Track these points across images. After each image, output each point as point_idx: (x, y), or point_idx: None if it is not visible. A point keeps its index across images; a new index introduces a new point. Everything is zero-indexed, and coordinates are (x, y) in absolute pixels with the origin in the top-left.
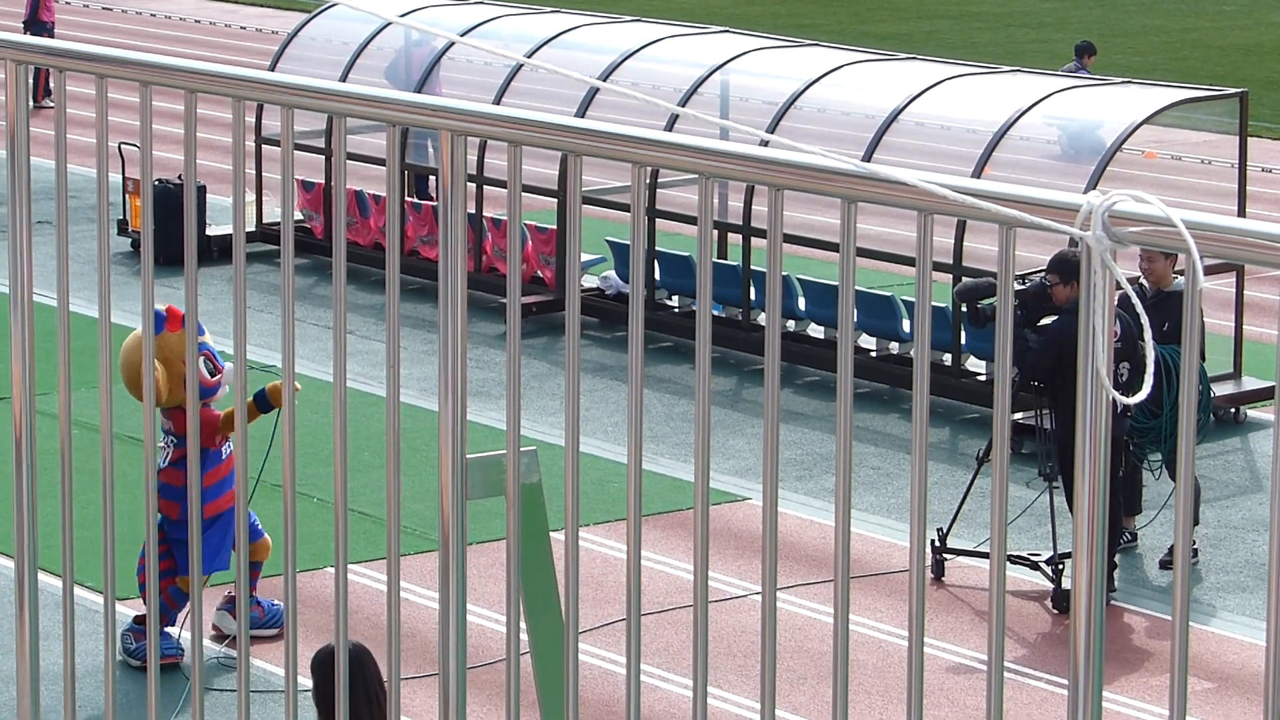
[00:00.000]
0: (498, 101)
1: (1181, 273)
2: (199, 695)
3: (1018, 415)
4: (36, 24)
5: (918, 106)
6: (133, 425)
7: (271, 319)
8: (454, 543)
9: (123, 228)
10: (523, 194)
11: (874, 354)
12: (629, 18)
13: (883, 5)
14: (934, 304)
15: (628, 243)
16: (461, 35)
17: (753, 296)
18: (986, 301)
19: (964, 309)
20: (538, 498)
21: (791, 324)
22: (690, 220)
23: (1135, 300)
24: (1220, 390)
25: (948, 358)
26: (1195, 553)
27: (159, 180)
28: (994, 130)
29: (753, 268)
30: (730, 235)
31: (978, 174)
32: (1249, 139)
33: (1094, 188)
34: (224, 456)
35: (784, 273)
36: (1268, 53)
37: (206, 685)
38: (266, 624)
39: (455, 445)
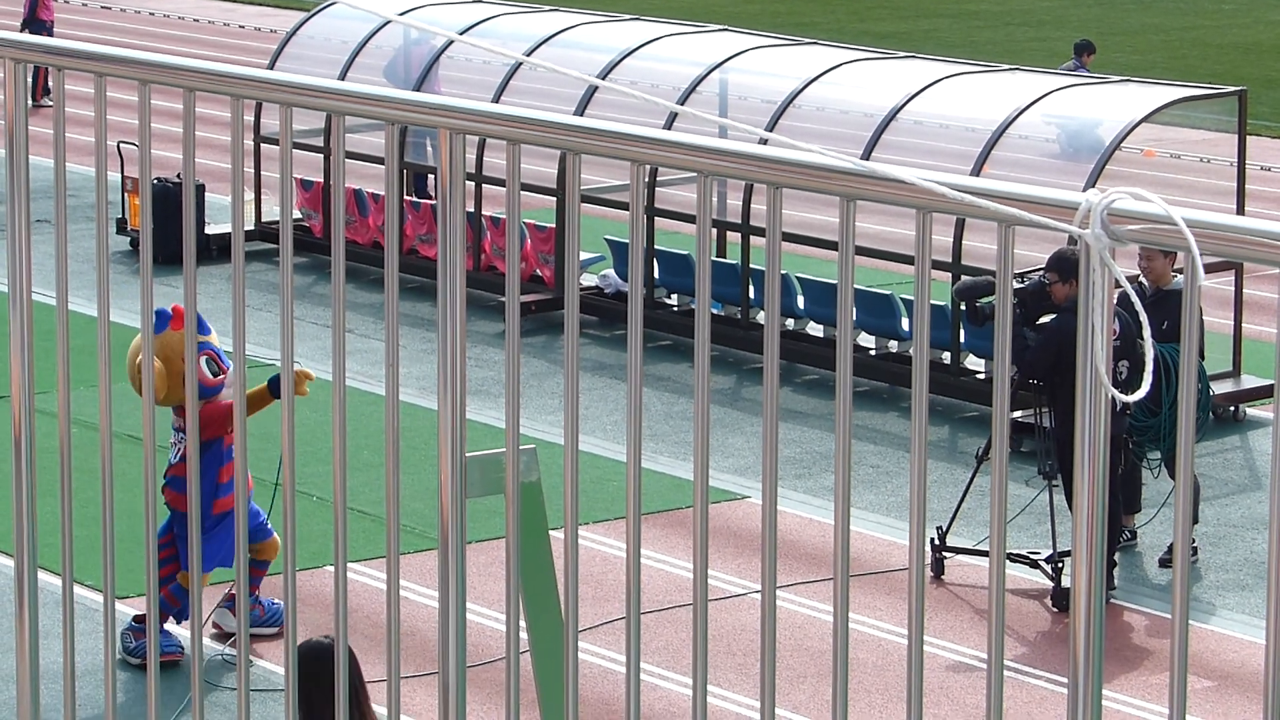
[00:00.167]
0: (496, 100)
1: (1180, 271)
2: (199, 694)
3: (1017, 413)
4: (35, 22)
5: (916, 105)
6: (132, 424)
7: (270, 317)
8: (453, 541)
9: (121, 226)
10: (521, 192)
11: (873, 352)
12: (627, 16)
13: (882, 4)
14: (933, 302)
15: (626, 241)
16: (460, 34)
17: (752, 295)
18: (985, 300)
19: (963, 307)
20: (537, 496)
21: (790, 322)
22: (689, 219)
23: (1135, 299)
24: (1219, 388)
25: (947, 356)
26: (1195, 551)
27: (158, 179)
28: (993, 128)
29: (752, 266)
30: (729, 234)
31: (977, 172)
32: (1248, 137)
33: (1093, 186)
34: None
35: (783, 271)
36: (1266, 51)
37: (207, 684)
38: (266, 622)
39: (454, 444)
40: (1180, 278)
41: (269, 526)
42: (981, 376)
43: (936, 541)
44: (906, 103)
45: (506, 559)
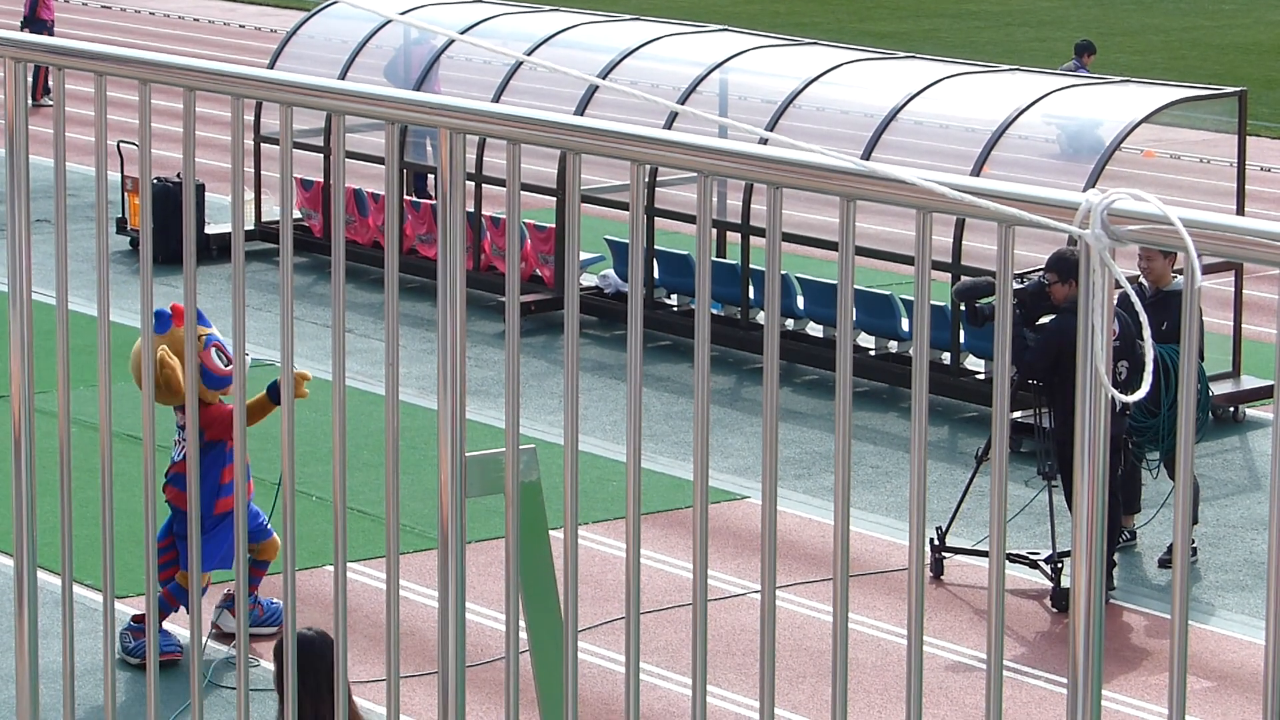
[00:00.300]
0: (497, 100)
1: (1180, 272)
2: (198, 694)
3: (1017, 414)
4: (35, 22)
5: (916, 105)
6: (132, 423)
7: (270, 317)
8: (453, 541)
9: (121, 226)
10: (521, 192)
11: (873, 353)
12: (628, 16)
13: (882, 4)
14: (933, 303)
15: (626, 241)
16: (461, 33)
17: (751, 295)
18: (985, 300)
19: (962, 308)
20: (537, 496)
21: (790, 323)
22: (689, 219)
23: (1135, 299)
24: (1219, 389)
25: (947, 356)
26: (1194, 551)
27: (158, 178)
28: (993, 129)
29: (751, 266)
30: (729, 234)
31: (976, 172)
32: (1247, 138)
33: (1093, 186)
34: None
35: (783, 271)
36: (1266, 51)
37: (207, 683)
38: (265, 622)
39: (454, 443)
40: (1180, 278)
41: (268, 527)
42: (981, 377)
43: (936, 542)
44: (906, 103)
45: (506, 559)
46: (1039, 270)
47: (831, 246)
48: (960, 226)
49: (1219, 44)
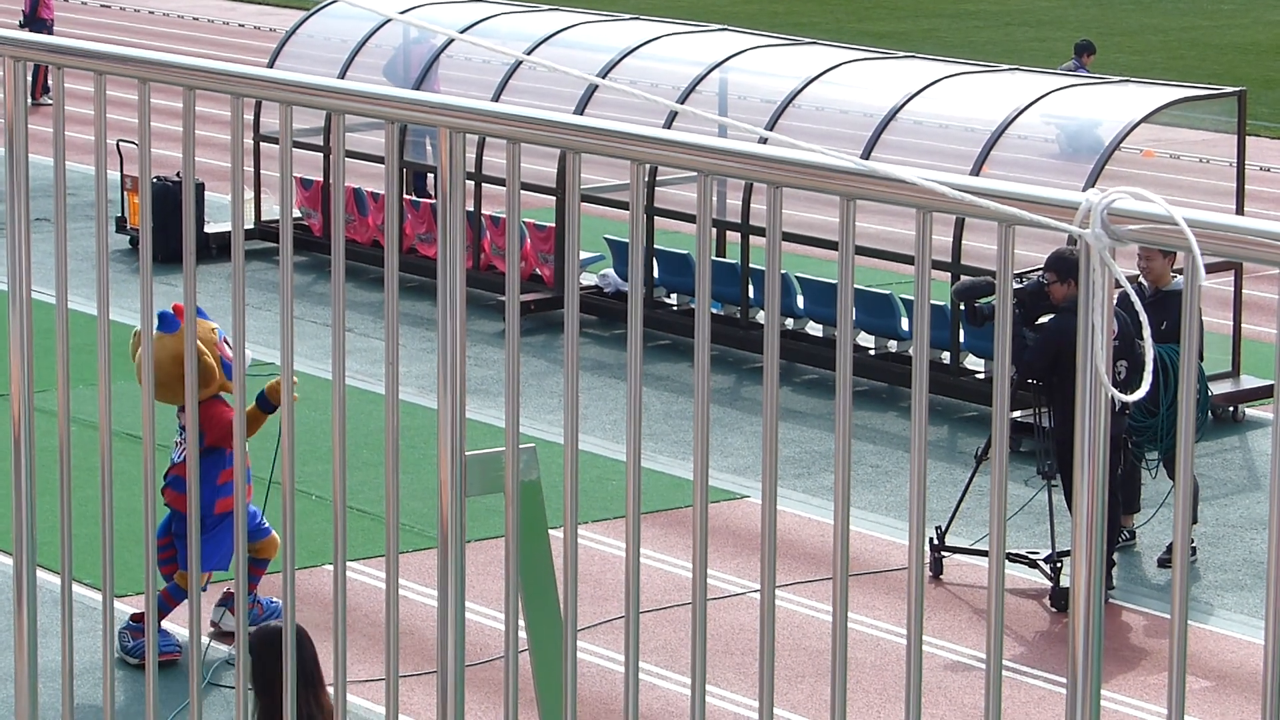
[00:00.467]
0: (496, 99)
1: (1180, 272)
2: (197, 694)
3: (1016, 413)
4: (35, 21)
5: (916, 105)
6: (131, 422)
7: (270, 316)
8: (453, 540)
9: (121, 225)
10: (521, 191)
11: (872, 352)
12: (627, 16)
13: (881, 4)
14: (933, 302)
15: (626, 240)
16: (460, 33)
17: (751, 294)
18: (984, 300)
19: (962, 308)
20: (536, 495)
21: (790, 322)
22: (689, 218)
23: (1135, 299)
24: (1219, 389)
25: (946, 356)
26: (1193, 551)
27: (157, 178)
28: (992, 129)
29: (751, 266)
30: (729, 233)
31: (976, 172)
32: (1247, 138)
33: (1092, 186)
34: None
35: (783, 271)
36: (1265, 51)
37: (207, 682)
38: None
39: (454, 442)
40: (1179, 278)
41: (266, 525)
42: (981, 376)
43: (935, 541)
44: (906, 103)
45: (506, 558)
46: (1038, 270)
47: (831, 246)
48: (960, 226)
49: (1218, 44)
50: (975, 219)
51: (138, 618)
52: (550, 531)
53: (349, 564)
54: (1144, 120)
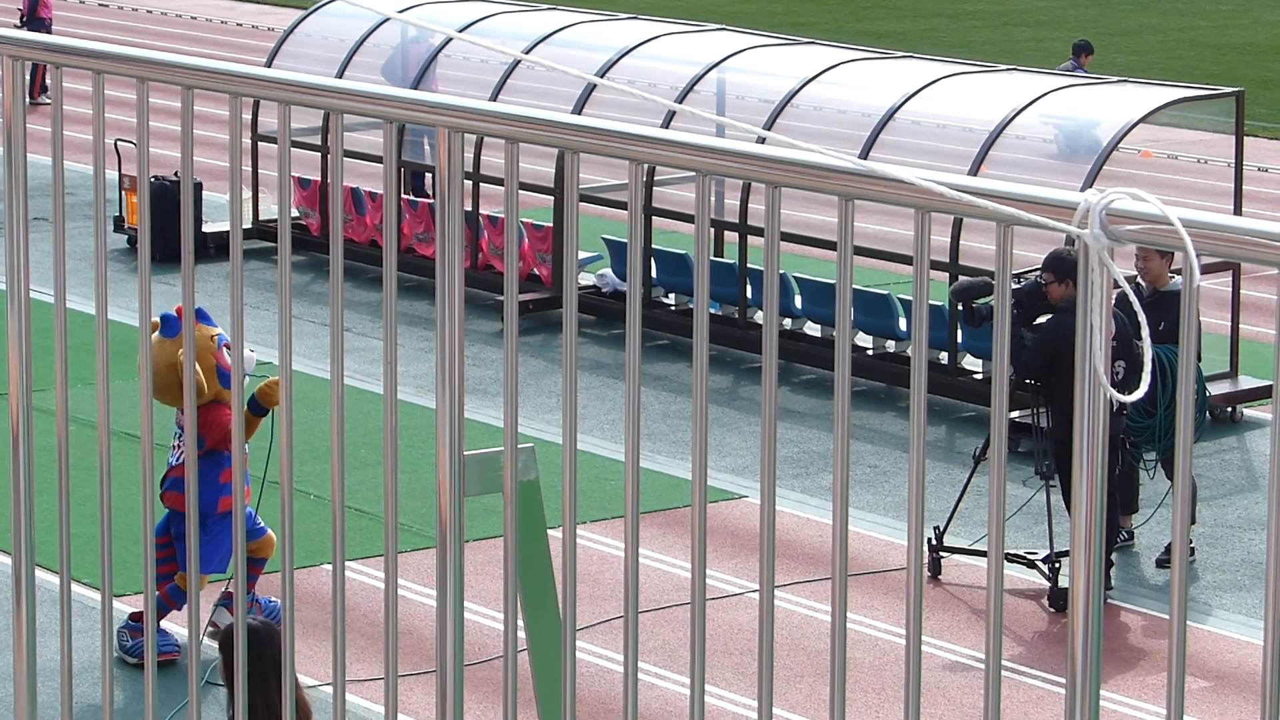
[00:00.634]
0: (494, 98)
1: (1178, 272)
2: (196, 693)
3: (1014, 414)
4: (34, 20)
5: (914, 105)
6: (130, 421)
7: (268, 316)
8: (451, 540)
9: (119, 224)
10: (519, 191)
11: (871, 352)
12: (625, 15)
13: (879, 3)
14: (931, 302)
15: (624, 240)
16: (459, 32)
17: (750, 294)
18: (982, 300)
19: (960, 308)
20: (535, 495)
21: (788, 322)
22: (687, 218)
23: (1133, 299)
24: (1217, 389)
25: (945, 356)
26: (1192, 552)
27: (155, 177)
28: (990, 129)
29: (750, 266)
30: (727, 233)
31: (974, 172)
32: (1245, 138)
33: (1090, 186)
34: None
35: (781, 271)
36: (1264, 52)
37: (205, 682)
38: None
39: (453, 442)
40: (1177, 279)
41: (261, 525)
42: (979, 376)
43: (934, 541)
44: (904, 103)
45: (504, 558)
46: (1036, 270)
47: (830, 246)
48: (958, 226)
49: (1216, 44)
50: (973, 219)
51: (136, 617)
52: (549, 531)
53: (347, 563)
54: (1142, 120)
